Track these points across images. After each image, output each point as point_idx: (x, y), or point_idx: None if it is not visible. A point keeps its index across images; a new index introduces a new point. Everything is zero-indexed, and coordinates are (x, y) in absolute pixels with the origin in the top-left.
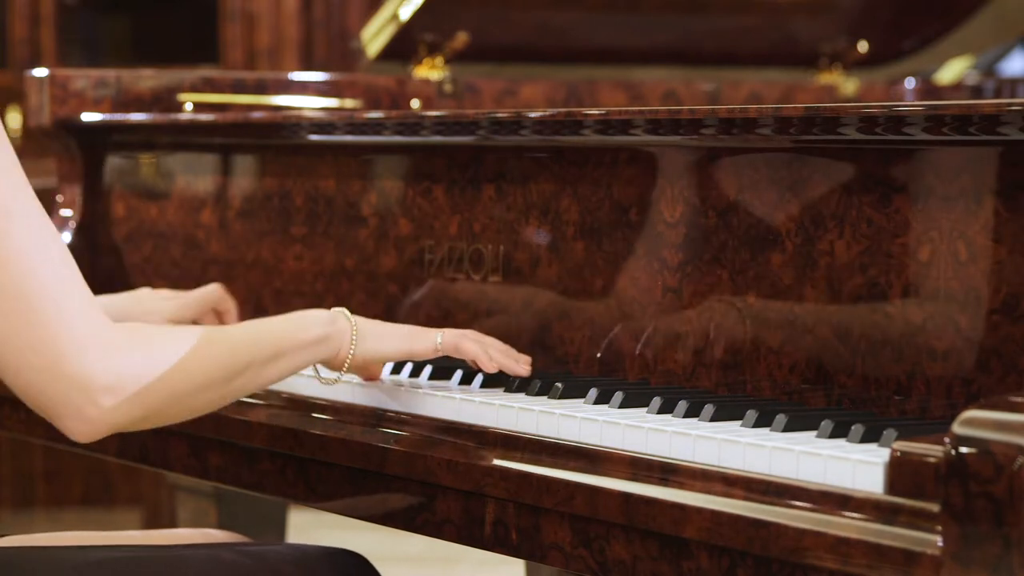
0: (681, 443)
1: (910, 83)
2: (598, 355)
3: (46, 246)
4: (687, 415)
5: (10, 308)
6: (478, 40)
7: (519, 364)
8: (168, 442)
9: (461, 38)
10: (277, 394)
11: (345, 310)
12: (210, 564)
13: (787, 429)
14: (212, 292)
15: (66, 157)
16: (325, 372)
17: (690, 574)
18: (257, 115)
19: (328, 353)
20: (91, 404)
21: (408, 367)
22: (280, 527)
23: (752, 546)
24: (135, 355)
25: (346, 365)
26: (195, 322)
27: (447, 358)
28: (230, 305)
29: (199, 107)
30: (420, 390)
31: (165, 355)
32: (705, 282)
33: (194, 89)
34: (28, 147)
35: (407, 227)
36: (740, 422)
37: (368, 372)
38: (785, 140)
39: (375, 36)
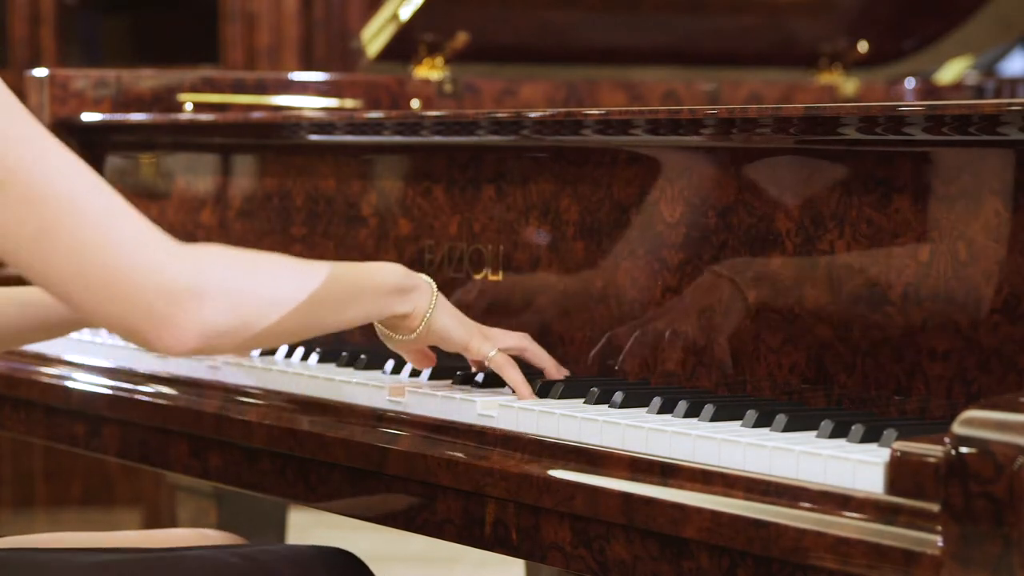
0: (681, 443)
1: (910, 83)
2: (594, 354)
3: (90, 182)
4: (687, 415)
5: (71, 249)
6: (478, 40)
7: (559, 371)
8: (168, 442)
9: (461, 38)
10: (277, 394)
11: (427, 276)
12: (205, 566)
13: (787, 429)
14: None
15: None
16: (395, 338)
17: (690, 574)
18: (257, 115)
19: (406, 308)
20: (177, 308)
21: (408, 367)
22: (280, 527)
23: (752, 546)
24: (213, 265)
25: (420, 328)
26: None
27: (448, 356)
28: None
29: (199, 107)
30: (420, 390)
31: (277, 285)
32: (705, 282)
33: (194, 89)
34: None
35: (407, 227)
36: (740, 422)
37: (420, 355)
38: (785, 140)
39: (375, 36)
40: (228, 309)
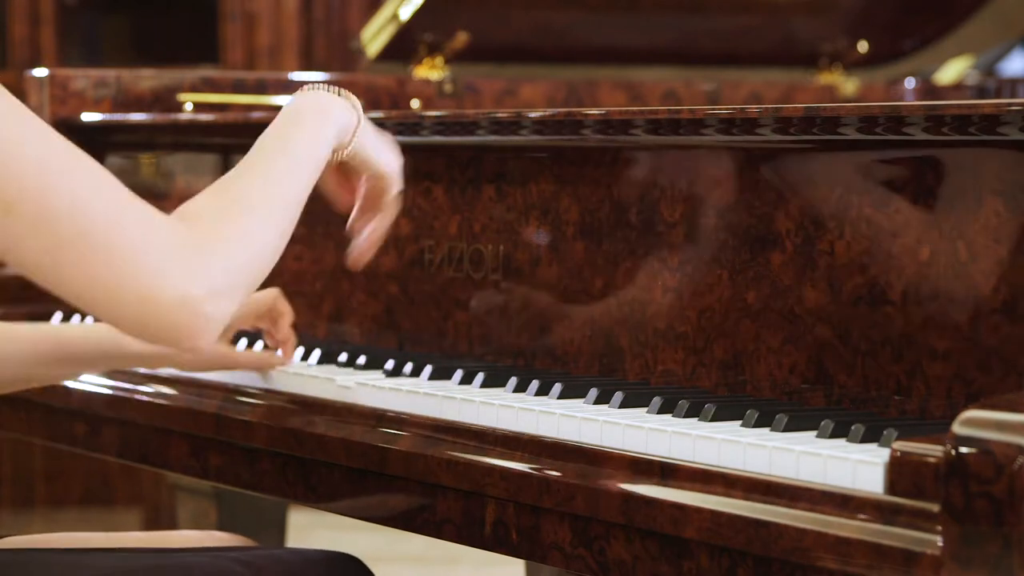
0: (681, 443)
1: (910, 83)
2: (593, 354)
3: (91, 185)
4: (687, 415)
5: (81, 260)
6: (478, 40)
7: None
8: (168, 442)
9: (461, 38)
10: (277, 394)
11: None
12: (208, 571)
13: (787, 429)
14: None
15: None
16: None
17: (690, 574)
18: (257, 115)
19: (340, 140)
20: (197, 317)
21: (408, 367)
22: (280, 527)
23: (752, 546)
24: (215, 254)
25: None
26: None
27: (447, 358)
28: (286, 308)
29: (199, 107)
30: (420, 390)
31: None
32: (705, 282)
33: (194, 89)
34: None
35: (407, 227)
36: (740, 422)
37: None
38: (785, 140)
39: (375, 36)
40: (236, 295)
